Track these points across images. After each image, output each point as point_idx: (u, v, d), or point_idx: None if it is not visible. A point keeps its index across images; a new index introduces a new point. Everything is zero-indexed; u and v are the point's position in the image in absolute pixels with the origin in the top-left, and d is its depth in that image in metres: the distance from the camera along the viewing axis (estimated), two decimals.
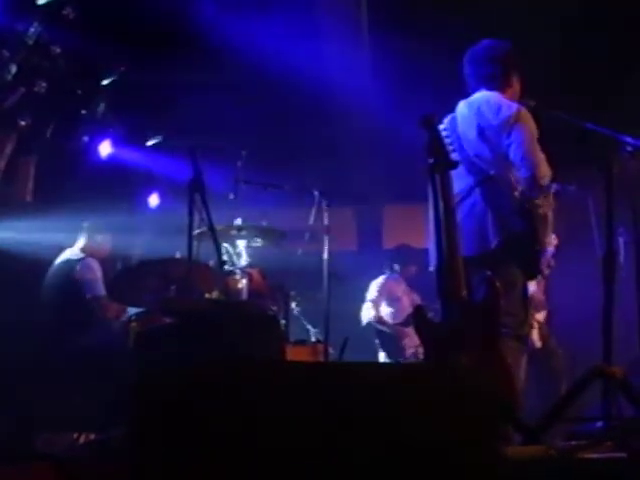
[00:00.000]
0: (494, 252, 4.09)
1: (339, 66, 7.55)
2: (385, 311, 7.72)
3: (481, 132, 4.23)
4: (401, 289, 7.82)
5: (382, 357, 7.60)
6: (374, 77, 7.65)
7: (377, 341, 7.63)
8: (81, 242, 6.23)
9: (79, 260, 6.04)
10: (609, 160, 3.82)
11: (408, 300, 7.63)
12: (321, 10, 7.29)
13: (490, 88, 4.36)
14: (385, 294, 7.78)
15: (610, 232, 3.85)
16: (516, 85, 4.42)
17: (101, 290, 5.92)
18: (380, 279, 7.91)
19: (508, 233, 4.09)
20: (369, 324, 7.71)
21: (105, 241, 6.31)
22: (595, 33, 6.55)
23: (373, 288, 7.85)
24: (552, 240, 4.23)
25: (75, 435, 5.09)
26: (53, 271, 6.11)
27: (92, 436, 5.00)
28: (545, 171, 4.14)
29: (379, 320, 7.65)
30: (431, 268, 4.31)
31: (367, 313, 7.75)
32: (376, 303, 7.74)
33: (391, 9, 7.04)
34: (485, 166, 4.20)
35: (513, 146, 4.14)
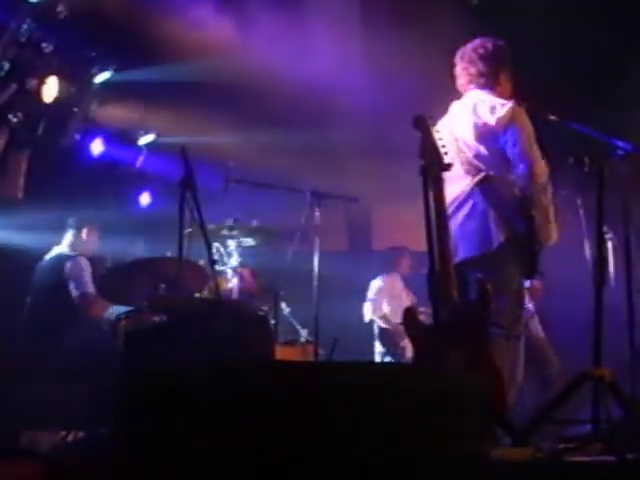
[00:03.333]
0: (496, 252, 4.10)
1: (331, 66, 7.55)
2: (386, 310, 7.73)
3: (478, 132, 4.24)
4: (400, 287, 7.86)
5: (378, 356, 7.63)
6: (367, 77, 7.65)
7: (378, 339, 7.66)
8: (68, 239, 6.22)
9: (69, 258, 6.03)
10: (600, 164, 3.83)
11: (407, 298, 7.65)
12: (314, 10, 7.29)
13: (480, 86, 4.38)
14: (386, 292, 7.81)
15: (600, 235, 3.85)
16: (506, 83, 4.45)
17: (89, 287, 5.91)
18: (380, 278, 7.94)
19: (511, 233, 4.10)
20: (372, 323, 7.74)
21: (91, 235, 6.28)
22: (594, 33, 6.56)
23: (373, 287, 7.89)
24: (553, 236, 4.22)
25: (63, 433, 5.08)
26: (42, 269, 6.09)
27: (80, 434, 4.98)
28: (542, 168, 4.15)
29: (383, 318, 7.67)
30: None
31: (369, 311, 7.77)
32: (377, 302, 7.76)
33: (385, 10, 7.04)
34: (483, 166, 4.20)
35: (509, 143, 4.15)
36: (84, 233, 6.24)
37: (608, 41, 6.64)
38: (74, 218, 6.27)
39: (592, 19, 6.49)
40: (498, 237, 4.10)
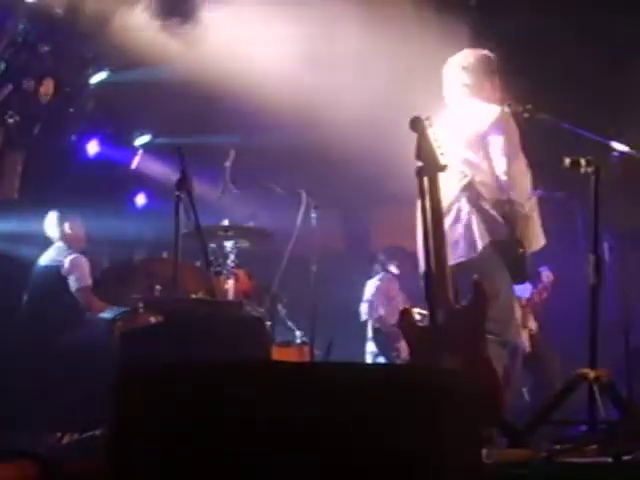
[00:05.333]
0: (481, 257, 4.11)
1: (324, 66, 7.55)
2: (381, 311, 7.74)
3: (466, 138, 4.29)
4: (396, 288, 7.87)
5: (369, 356, 7.64)
6: (361, 77, 7.64)
7: (373, 340, 7.67)
8: (57, 237, 6.20)
9: (67, 256, 6.01)
10: (597, 165, 3.84)
11: (402, 300, 7.66)
12: (311, 11, 7.29)
13: (463, 95, 4.46)
14: (382, 293, 7.82)
15: (596, 237, 3.86)
16: (492, 91, 4.49)
17: (87, 282, 5.89)
18: (376, 279, 7.95)
19: (494, 239, 4.11)
20: (366, 324, 7.75)
21: (75, 229, 6.25)
22: (594, 34, 6.56)
23: (370, 287, 7.90)
24: (539, 241, 4.25)
25: (59, 435, 5.07)
26: (40, 271, 6.07)
27: (75, 436, 4.98)
28: (523, 170, 4.19)
29: (379, 320, 7.68)
30: (421, 271, 4.32)
31: (365, 312, 7.79)
32: (373, 303, 7.78)
33: (380, 13, 7.03)
34: (470, 171, 4.24)
35: (493, 147, 4.20)
36: (67, 228, 6.21)
37: (608, 42, 6.65)
38: (53, 215, 6.24)
39: (591, 20, 6.49)
40: (482, 242, 4.12)
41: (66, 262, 5.98)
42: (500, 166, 4.17)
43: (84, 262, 6.02)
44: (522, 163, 4.24)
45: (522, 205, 4.14)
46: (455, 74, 4.50)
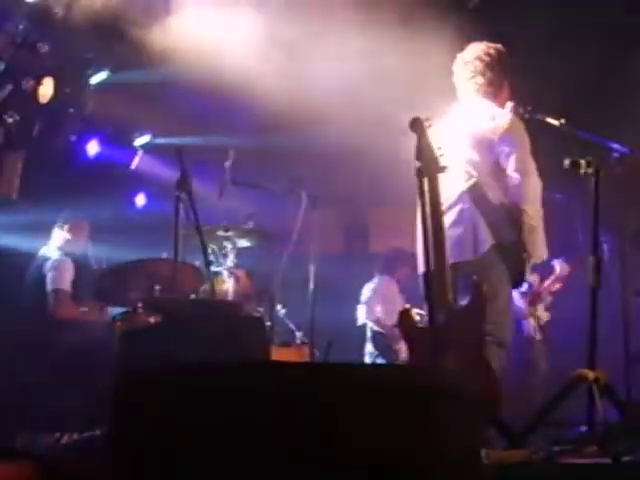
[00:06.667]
0: (482, 259, 4.10)
1: (326, 66, 7.55)
2: (379, 313, 7.74)
3: (474, 139, 4.22)
4: (395, 290, 7.87)
5: (368, 357, 7.64)
6: (362, 77, 7.64)
7: (371, 342, 7.67)
8: (54, 238, 6.19)
9: (53, 257, 6.00)
10: (596, 166, 3.83)
11: (401, 303, 7.66)
12: (310, 12, 7.29)
13: (481, 94, 4.35)
14: (380, 295, 7.82)
15: (596, 238, 3.86)
16: (506, 90, 4.41)
17: (64, 286, 5.86)
18: (374, 281, 7.95)
19: (497, 242, 4.09)
20: (364, 325, 7.75)
21: (76, 233, 6.24)
22: (593, 34, 6.56)
23: (367, 290, 7.90)
24: (543, 253, 4.20)
25: (57, 435, 5.07)
26: (30, 270, 6.07)
27: (75, 436, 4.98)
28: (535, 181, 4.15)
29: (377, 321, 7.68)
30: (420, 272, 4.30)
31: (363, 314, 7.79)
32: (371, 305, 7.78)
33: (379, 13, 7.03)
34: (476, 173, 4.18)
35: (504, 153, 4.13)
36: (66, 230, 6.20)
37: (607, 42, 6.65)
38: (60, 216, 6.24)
39: (591, 20, 6.49)
40: (485, 244, 4.09)
41: (49, 262, 5.96)
42: (513, 180, 4.10)
43: (67, 266, 5.99)
44: (534, 175, 4.17)
45: (531, 217, 4.10)
46: (478, 71, 4.33)
